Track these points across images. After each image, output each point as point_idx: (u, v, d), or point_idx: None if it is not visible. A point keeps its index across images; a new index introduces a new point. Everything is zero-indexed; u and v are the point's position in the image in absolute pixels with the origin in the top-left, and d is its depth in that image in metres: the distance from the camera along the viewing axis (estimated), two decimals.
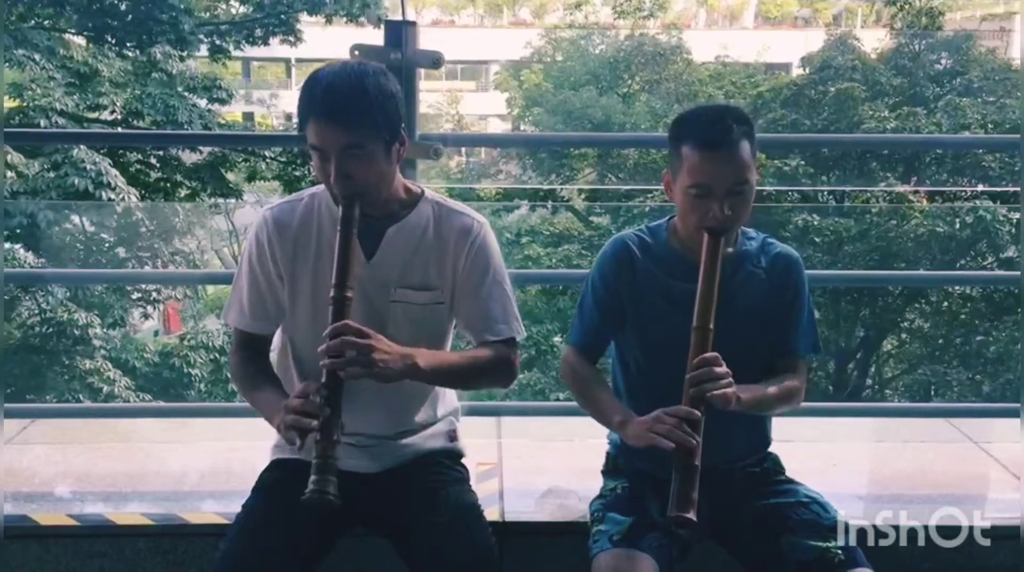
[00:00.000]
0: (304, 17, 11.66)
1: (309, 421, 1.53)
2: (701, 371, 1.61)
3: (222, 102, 10.97)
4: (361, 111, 1.60)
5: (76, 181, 8.90)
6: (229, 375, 1.88)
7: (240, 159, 11.29)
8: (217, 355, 10.59)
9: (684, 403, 1.62)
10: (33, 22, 10.40)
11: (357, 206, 1.64)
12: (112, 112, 10.19)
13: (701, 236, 1.69)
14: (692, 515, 1.55)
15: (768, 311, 1.82)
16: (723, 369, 1.62)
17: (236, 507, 1.80)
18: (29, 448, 2.54)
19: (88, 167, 8.96)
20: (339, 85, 1.61)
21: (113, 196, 9.17)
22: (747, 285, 1.81)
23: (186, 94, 10.42)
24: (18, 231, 9.03)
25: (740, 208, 1.70)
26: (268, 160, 11.32)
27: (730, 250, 1.76)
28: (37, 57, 9.51)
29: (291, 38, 11.52)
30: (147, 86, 10.14)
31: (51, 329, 9.35)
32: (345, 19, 11.14)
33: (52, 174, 9.05)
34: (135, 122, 10.25)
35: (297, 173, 10.99)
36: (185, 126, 9.97)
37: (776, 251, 1.86)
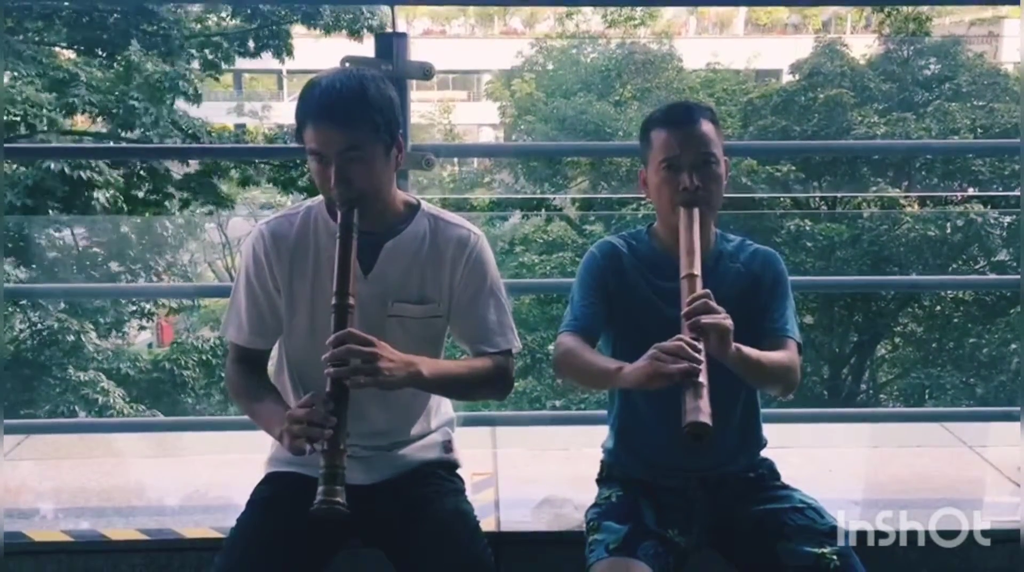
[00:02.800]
0: (297, 31, 11.59)
1: (320, 430, 1.52)
2: (697, 304, 1.60)
3: (188, 97, 10.56)
4: (360, 111, 1.60)
5: (52, 165, 8.83)
6: (226, 386, 1.87)
7: (232, 166, 11.21)
8: (210, 357, 10.54)
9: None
10: (22, 36, 10.37)
11: (356, 212, 1.63)
12: (84, 112, 10.05)
13: (677, 218, 1.75)
14: (705, 419, 1.49)
15: (750, 300, 1.83)
16: (717, 306, 1.60)
17: (231, 521, 1.79)
18: (23, 464, 2.53)
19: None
20: (338, 87, 1.61)
21: (91, 176, 9.06)
22: (727, 279, 1.83)
23: (157, 92, 10.25)
24: (9, 245, 9.00)
25: (710, 182, 1.77)
26: (261, 165, 11.22)
27: (706, 246, 1.75)
28: (21, 68, 9.47)
29: (283, 52, 11.45)
30: (127, 85, 10.04)
31: (44, 342, 9.32)
32: (346, 33, 11.06)
33: (28, 167, 8.99)
34: (112, 126, 10.15)
35: (294, 173, 10.84)
36: (165, 128, 9.85)
37: (754, 248, 1.91)
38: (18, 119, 8.77)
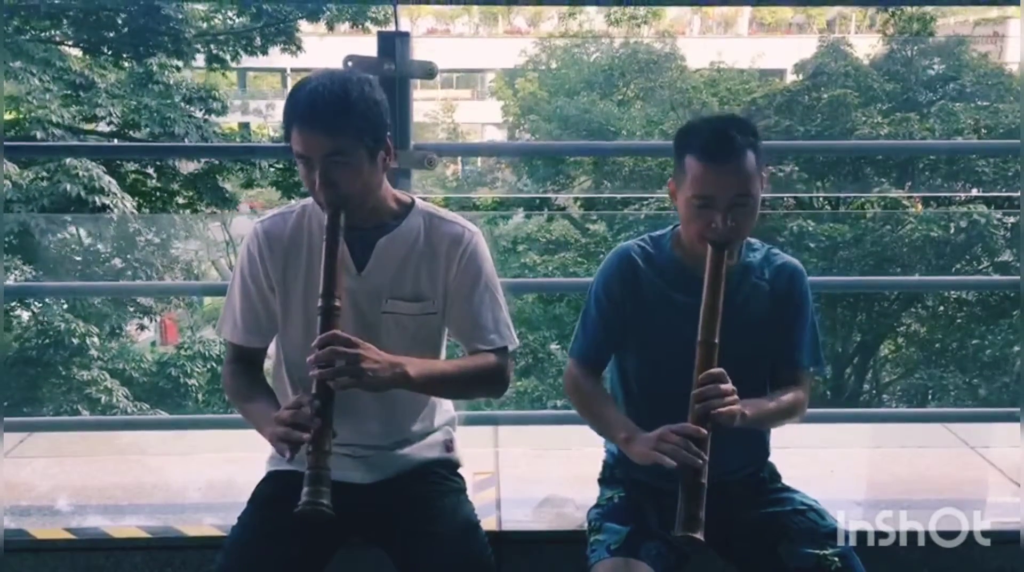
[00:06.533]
0: (303, 27, 11.62)
1: (300, 434, 1.54)
2: (707, 388, 1.59)
3: (217, 113, 10.93)
4: (343, 117, 1.60)
5: (68, 187, 8.95)
6: (223, 386, 1.88)
7: (237, 167, 11.28)
8: (214, 364, 10.56)
9: (690, 420, 1.60)
10: (30, 34, 10.39)
11: (343, 215, 1.63)
12: (109, 123, 10.18)
13: (704, 246, 1.68)
14: (699, 535, 1.53)
15: (771, 323, 1.80)
16: (729, 386, 1.60)
17: (232, 519, 1.80)
18: (26, 461, 2.53)
19: (80, 174, 8.99)
20: (321, 91, 1.60)
21: (107, 202, 9.17)
22: (750, 298, 1.79)
23: (182, 104, 10.40)
24: (14, 242, 9.02)
25: (743, 220, 1.68)
26: (264, 168, 11.30)
27: (732, 262, 1.73)
28: (34, 69, 9.51)
29: (291, 47, 11.47)
30: (143, 96, 10.14)
31: (48, 340, 9.33)
32: (349, 24, 11.10)
33: (45, 183, 9.08)
34: (132, 133, 10.24)
35: (295, 178, 10.95)
36: (183, 138, 9.95)
37: (780, 262, 1.85)
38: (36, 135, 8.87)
